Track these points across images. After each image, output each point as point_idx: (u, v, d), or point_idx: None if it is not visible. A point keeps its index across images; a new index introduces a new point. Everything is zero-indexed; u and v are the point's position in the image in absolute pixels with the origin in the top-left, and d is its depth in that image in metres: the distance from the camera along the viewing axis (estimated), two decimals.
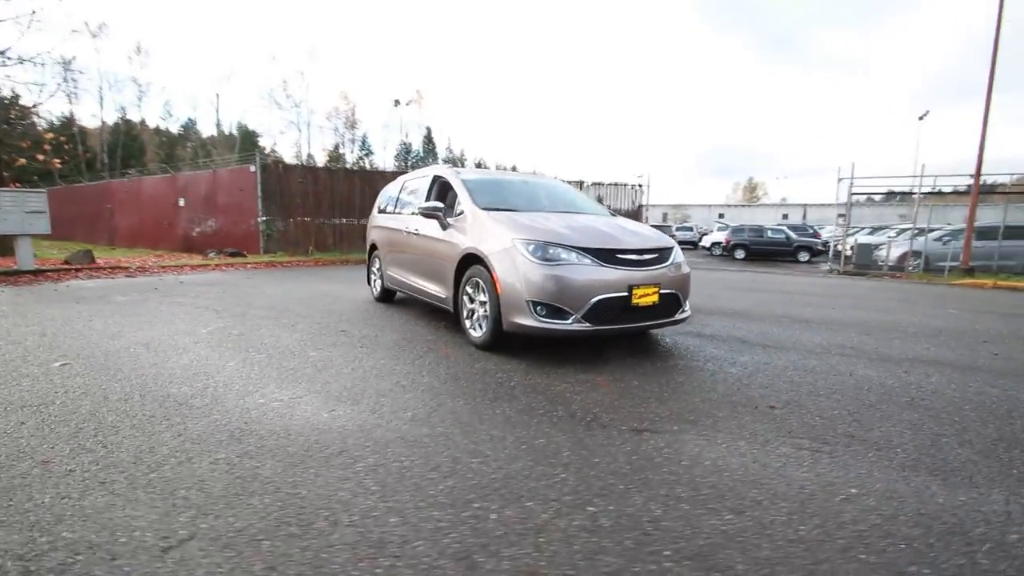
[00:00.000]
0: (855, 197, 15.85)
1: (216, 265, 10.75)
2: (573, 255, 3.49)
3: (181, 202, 14.90)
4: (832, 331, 4.89)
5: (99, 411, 2.51)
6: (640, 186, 19.55)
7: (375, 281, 6.32)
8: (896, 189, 16.35)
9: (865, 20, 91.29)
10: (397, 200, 5.93)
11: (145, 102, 49.54)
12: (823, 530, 1.64)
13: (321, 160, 49.72)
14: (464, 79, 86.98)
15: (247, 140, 46.58)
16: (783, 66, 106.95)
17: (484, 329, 3.80)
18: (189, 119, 51.66)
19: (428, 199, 5.03)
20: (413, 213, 5.13)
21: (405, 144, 57.63)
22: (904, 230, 18.23)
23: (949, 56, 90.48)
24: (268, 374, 3.17)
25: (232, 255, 12.39)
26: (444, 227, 4.41)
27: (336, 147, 54.74)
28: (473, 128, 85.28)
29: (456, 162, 59.33)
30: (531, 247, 3.52)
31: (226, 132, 50.80)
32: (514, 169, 43.87)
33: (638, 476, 1.97)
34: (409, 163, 53.98)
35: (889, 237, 16.88)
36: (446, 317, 5.10)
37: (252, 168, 13.07)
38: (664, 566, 1.45)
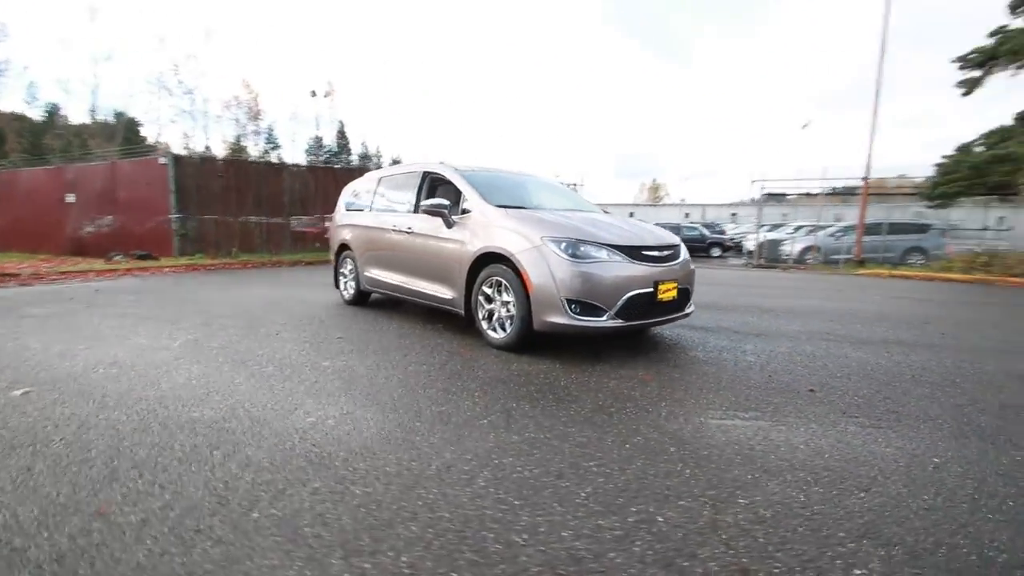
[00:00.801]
0: (743, 197, 17.55)
1: (127, 270, 9.45)
2: (604, 252, 3.51)
3: (69, 198, 12.90)
4: (798, 318, 5.38)
5: (121, 446, 2.10)
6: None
7: (347, 283, 5.92)
8: (801, 190, 18.26)
9: (750, 25, 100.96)
10: (373, 198, 5.59)
11: (1, 83, 42.18)
12: (944, 497, 1.80)
13: (221, 153, 45.42)
14: (379, 74, 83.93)
15: (131, 129, 41.40)
16: (681, 70, 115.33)
17: (509, 330, 3.70)
18: (53, 104, 44.71)
19: (420, 196, 4.81)
20: (408, 211, 4.86)
21: (317, 139, 54.48)
22: (800, 227, 20.52)
23: (835, 65, 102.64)
24: (292, 389, 2.84)
25: (141, 258, 10.96)
26: (449, 225, 4.23)
27: (238, 139, 50.36)
28: (389, 125, 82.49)
29: (370, 159, 57.11)
30: (563, 245, 3.49)
31: (103, 119, 44.69)
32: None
33: (755, 465, 2.02)
34: (321, 158, 51.06)
35: (788, 234, 18.89)
36: (441, 318, 4.91)
37: (162, 160, 11.66)
38: (849, 547, 1.51)
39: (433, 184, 4.87)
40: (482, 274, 3.90)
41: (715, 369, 3.38)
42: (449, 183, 4.73)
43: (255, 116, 51.65)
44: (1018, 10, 11.59)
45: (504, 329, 3.77)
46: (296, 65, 71.00)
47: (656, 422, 2.45)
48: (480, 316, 3.94)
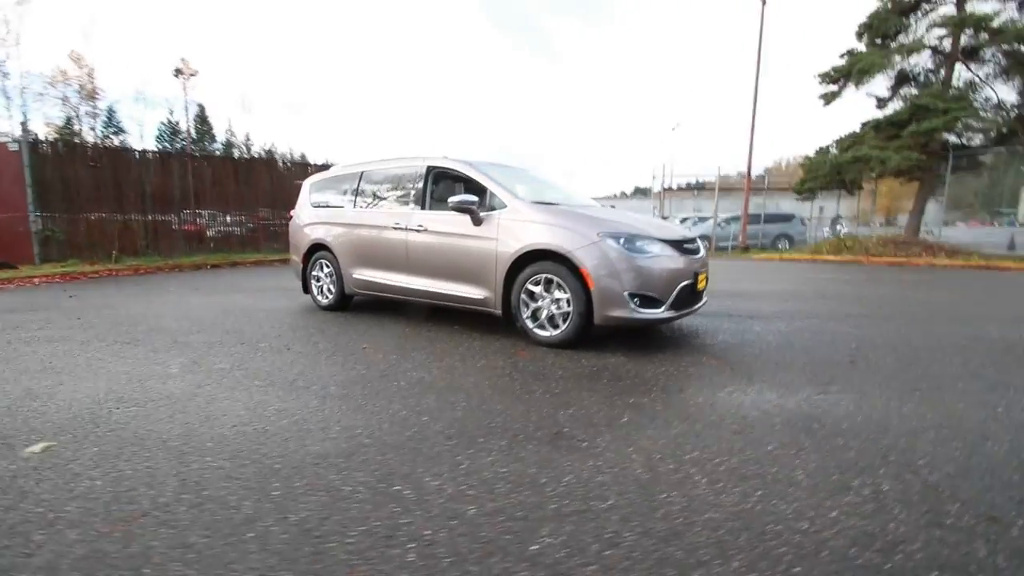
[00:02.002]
0: (620, 191, 19.20)
1: None
2: (657, 246, 3.62)
3: None
4: (764, 300, 6.04)
5: (261, 512, 1.70)
6: None
7: (323, 287, 5.36)
8: (694, 183, 20.18)
9: (613, 26, 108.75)
10: (355, 193, 5.12)
11: None
12: None
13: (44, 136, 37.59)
14: (244, 58, 75.57)
15: None
16: (552, 67, 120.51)
17: (563, 326, 3.65)
18: None
19: (426, 192, 4.52)
20: (413, 208, 4.53)
21: (170, 123, 47.72)
22: (686, 219, 22.80)
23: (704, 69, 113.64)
24: (395, 410, 2.54)
25: None
26: (478, 223, 4.04)
27: (68, 122, 42.18)
28: (257, 112, 74.68)
29: (236, 146, 51.54)
30: (621, 240, 3.53)
31: None
32: (303, 158, 40.23)
33: (884, 442, 2.27)
34: (178, 146, 44.81)
35: (680, 223, 20.94)
36: (456, 318, 4.69)
37: (12, 146, 9.44)
38: None
39: (438, 178, 4.61)
40: (526, 272, 3.79)
41: (756, 350, 3.69)
42: (458, 178, 4.53)
43: (90, 96, 43.71)
44: (863, 37, 14.10)
45: (554, 326, 3.72)
46: (143, 40, 61.11)
47: (769, 406, 2.62)
48: (523, 315, 3.84)
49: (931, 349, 3.73)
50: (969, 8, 13.20)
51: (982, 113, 12.85)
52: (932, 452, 2.08)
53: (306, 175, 6.88)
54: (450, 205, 4.06)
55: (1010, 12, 12.67)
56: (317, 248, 5.39)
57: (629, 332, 4.13)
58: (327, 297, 5.33)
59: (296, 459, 2.01)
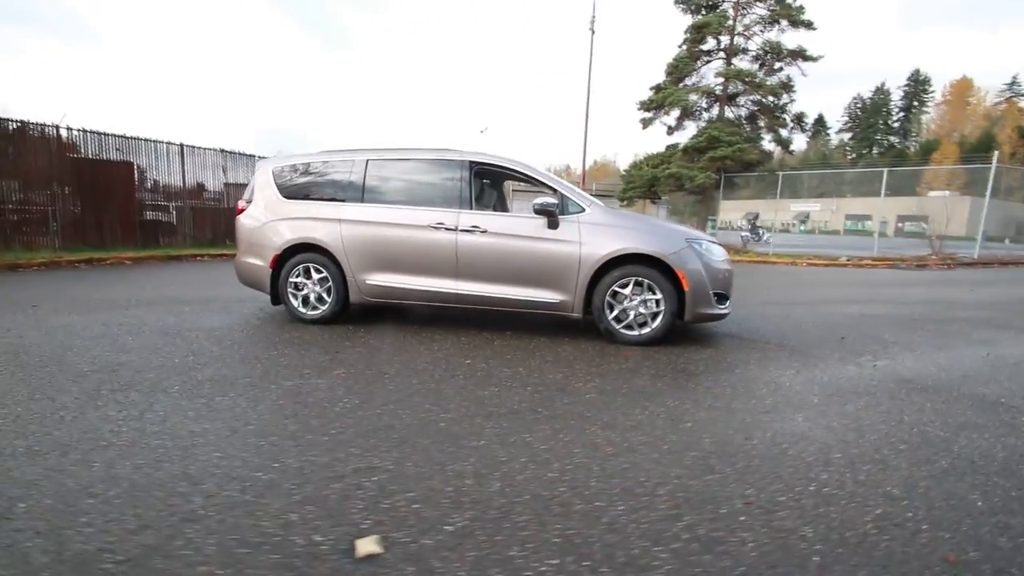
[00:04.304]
0: None
1: None
2: (719, 250, 4.12)
3: None
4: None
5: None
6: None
7: (312, 296, 4.43)
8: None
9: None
10: (362, 186, 4.37)
11: None
12: None
13: None
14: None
15: None
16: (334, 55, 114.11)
17: (653, 325, 3.88)
18: None
19: (471, 190, 4.18)
20: (456, 207, 4.14)
21: None
22: None
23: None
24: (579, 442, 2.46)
25: None
26: (554, 226, 3.95)
27: None
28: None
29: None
30: (702, 245, 3.93)
31: None
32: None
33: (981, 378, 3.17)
34: None
35: None
36: (507, 323, 4.44)
37: None
38: None
39: (480, 177, 4.34)
40: (613, 274, 3.89)
41: (808, 332, 4.52)
42: (498, 175, 4.41)
43: None
44: (671, 75, 17.36)
45: (641, 327, 3.92)
46: None
47: (870, 370, 3.35)
48: (608, 316, 3.94)
49: (913, 322, 5.13)
50: (735, 64, 17.47)
51: (743, 145, 17.16)
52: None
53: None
54: (535, 208, 3.88)
55: (761, 73, 17.25)
56: (300, 249, 4.41)
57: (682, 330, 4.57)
58: (320, 309, 4.42)
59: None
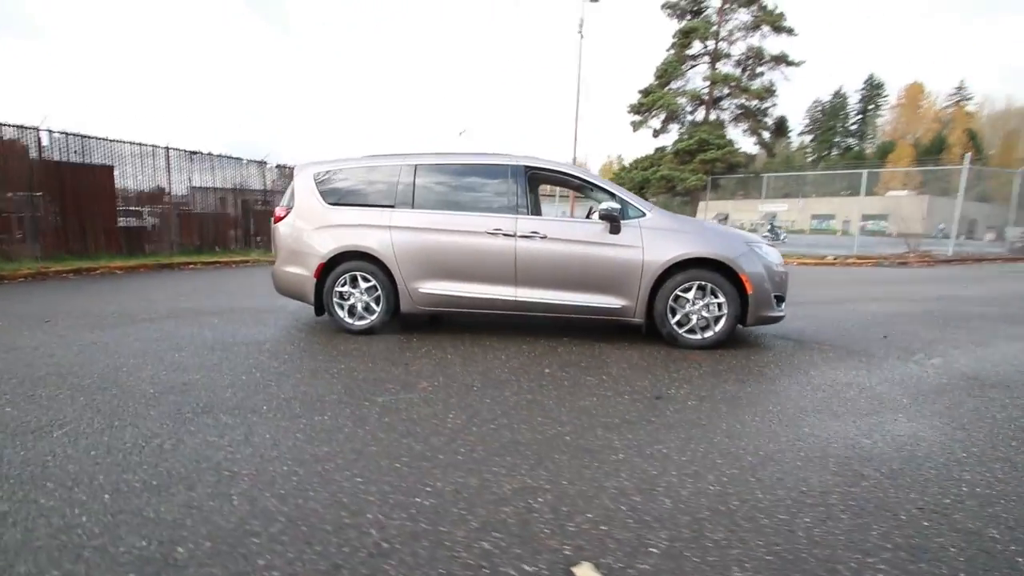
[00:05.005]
0: None
1: None
2: (776, 254, 4.17)
3: None
4: None
5: None
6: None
7: (359, 305, 4.28)
8: None
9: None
10: (412, 193, 4.26)
11: None
12: None
13: None
14: None
15: None
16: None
17: (716, 328, 3.90)
18: None
19: (526, 195, 4.13)
20: (512, 213, 4.09)
21: None
22: None
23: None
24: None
25: None
26: (616, 231, 3.92)
27: None
28: None
29: None
30: (761, 248, 3.97)
31: None
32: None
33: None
34: None
35: None
36: (553, 330, 4.39)
37: None
38: None
39: (529, 181, 4.27)
40: (676, 279, 3.89)
41: (838, 332, 4.60)
42: (547, 179, 4.36)
43: None
44: (660, 79, 17.66)
45: (703, 331, 3.93)
46: None
47: (932, 369, 3.45)
48: (671, 320, 3.94)
49: (937, 319, 5.29)
50: (719, 68, 17.90)
51: (732, 148, 17.63)
52: None
53: None
54: (600, 213, 3.86)
55: (744, 77, 17.73)
56: (347, 257, 4.26)
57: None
58: (364, 318, 4.28)
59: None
